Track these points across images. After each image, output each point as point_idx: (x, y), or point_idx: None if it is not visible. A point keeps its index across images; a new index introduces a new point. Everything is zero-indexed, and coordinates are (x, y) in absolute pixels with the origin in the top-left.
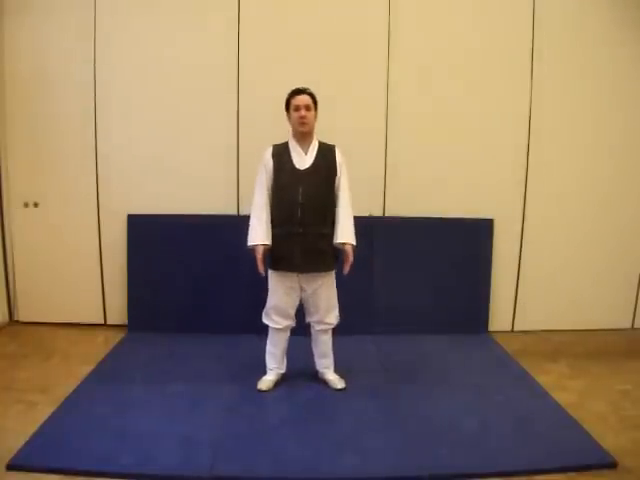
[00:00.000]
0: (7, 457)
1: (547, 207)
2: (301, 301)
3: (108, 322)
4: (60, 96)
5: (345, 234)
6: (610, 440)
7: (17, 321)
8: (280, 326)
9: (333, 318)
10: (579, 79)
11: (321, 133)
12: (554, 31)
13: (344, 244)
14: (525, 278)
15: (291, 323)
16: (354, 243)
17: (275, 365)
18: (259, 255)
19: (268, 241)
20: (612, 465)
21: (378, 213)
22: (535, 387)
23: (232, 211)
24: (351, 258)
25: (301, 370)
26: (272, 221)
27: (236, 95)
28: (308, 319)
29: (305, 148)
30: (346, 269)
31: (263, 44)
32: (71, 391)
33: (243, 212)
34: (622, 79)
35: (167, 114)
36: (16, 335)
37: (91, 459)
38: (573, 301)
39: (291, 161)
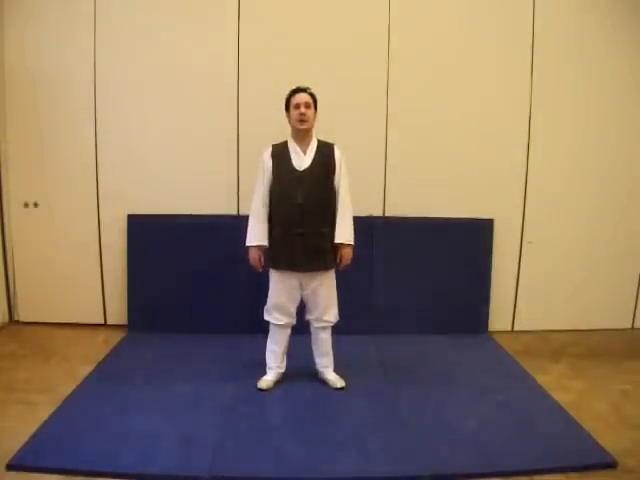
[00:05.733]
0: (7, 457)
1: (547, 207)
2: (302, 299)
3: (108, 322)
4: (60, 96)
5: (342, 234)
6: (610, 440)
7: (17, 321)
8: (281, 322)
9: (332, 316)
10: (580, 79)
11: (322, 133)
12: (555, 31)
13: (341, 244)
14: (525, 278)
15: (292, 320)
16: (352, 242)
17: (275, 364)
18: (255, 255)
19: (262, 242)
20: (612, 465)
21: (378, 213)
22: (535, 387)
23: (232, 211)
24: (347, 258)
25: (301, 369)
26: (272, 221)
27: (236, 95)
28: (308, 317)
29: (304, 148)
30: (341, 267)
31: (263, 44)
32: (71, 391)
33: (243, 212)
34: (623, 79)
35: (167, 114)
36: (16, 335)
37: (91, 459)
38: (573, 301)
39: (290, 162)
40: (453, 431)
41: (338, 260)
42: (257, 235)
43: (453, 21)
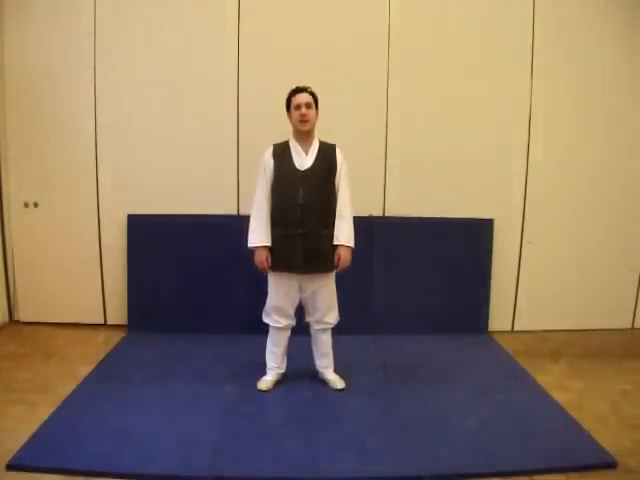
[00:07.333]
0: (7, 457)
1: (547, 207)
2: (301, 300)
3: (108, 322)
4: (60, 96)
5: (341, 235)
6: (610, 440)
7: (17, 321)
8: (280, 325)
9: (332, 318)
10: (580, 79)
11: (321, 133)
12: (555, 31)
13: (340, 246)
14: (525, 278)
15: (291, 322)
16: (351, 245)
17: (275, 365)
18: (262, 256)
19: (268, 242)
20: (612, 465)
21: (378, 213)
22: (535, 387)
23: (232, 211)
24: (345, 261)
25: (301, 370)
26: (272, 221)
27: (236, 95)
28: (308, 318)
29: (306, 148)
30: (339, 270)
31: (263, 45)
32: (71, 391)
33: (243, 212)
34: (622, 78)
35: (167, 114)
36: (16, 335)
37: (91, 459)
38: (573, 301)
39: (292, 161)
40: (453, 431)
41: (336, 262)
42: (261, 235)
43: (453, 21)
